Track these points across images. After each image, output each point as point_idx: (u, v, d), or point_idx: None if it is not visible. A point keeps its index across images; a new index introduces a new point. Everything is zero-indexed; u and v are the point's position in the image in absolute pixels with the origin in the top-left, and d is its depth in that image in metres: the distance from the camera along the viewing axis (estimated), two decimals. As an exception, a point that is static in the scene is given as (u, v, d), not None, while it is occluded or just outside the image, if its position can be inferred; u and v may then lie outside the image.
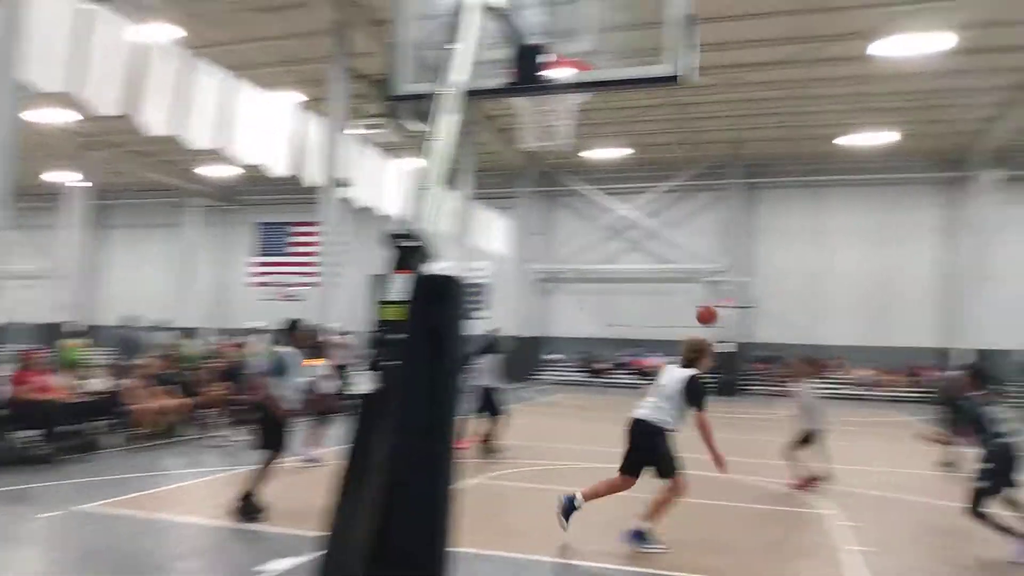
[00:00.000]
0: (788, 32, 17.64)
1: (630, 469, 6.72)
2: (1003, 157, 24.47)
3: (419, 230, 4.12)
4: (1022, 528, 6.50)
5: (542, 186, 30.95)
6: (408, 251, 4.05)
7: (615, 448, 12.30)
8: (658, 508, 6.45)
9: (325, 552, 4.12)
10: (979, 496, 6.58)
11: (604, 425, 13.77)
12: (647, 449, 6.59)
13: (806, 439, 9.47)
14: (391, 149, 18.17)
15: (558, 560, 6.21)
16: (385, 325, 3.94)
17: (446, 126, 4.19)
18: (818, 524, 7.74)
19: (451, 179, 4.68)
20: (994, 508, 6.57)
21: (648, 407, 6.67)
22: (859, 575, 5.98)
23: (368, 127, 16.70)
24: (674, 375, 6.76)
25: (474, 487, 9.02)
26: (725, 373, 27.17)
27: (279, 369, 7.33)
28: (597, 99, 21.84)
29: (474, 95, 4.87)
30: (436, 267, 4.29)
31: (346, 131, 16.98)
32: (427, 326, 4.00)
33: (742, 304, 27.12)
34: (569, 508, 6.67)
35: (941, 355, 26.16)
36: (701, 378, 6.62)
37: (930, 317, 26.70)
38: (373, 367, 3.89)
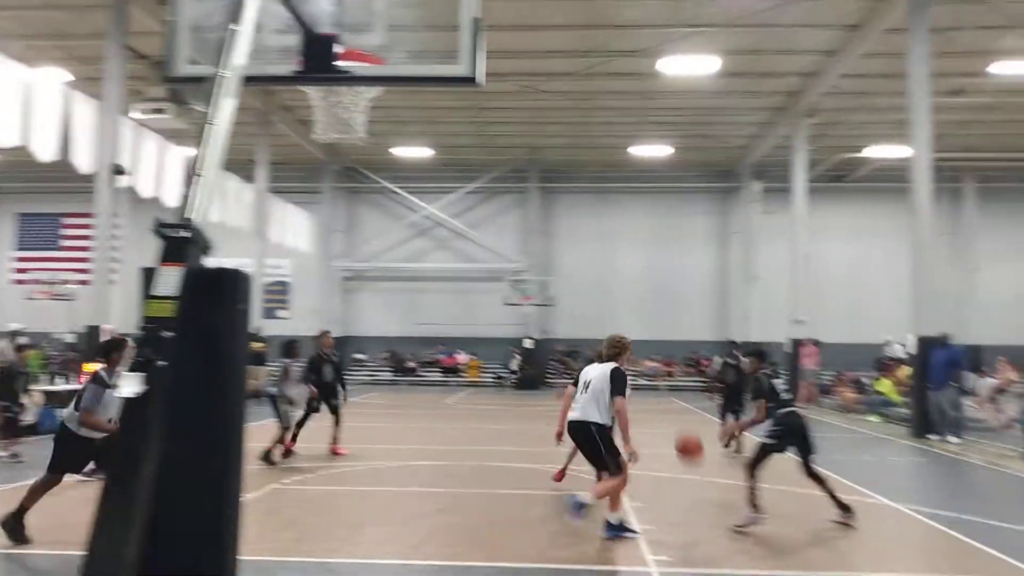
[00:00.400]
0: (579, 45, 18.58)
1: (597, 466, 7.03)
2: (763, 171, 27.44)
3: (191, 220, 3.85)
4: (762, 502, 7.31)
5: (346, 182, 30.34)
6: (178, 242, 3.77)
7: (423, 446, 12.49)
8: (613, 497, 6.77)
9: (86, 569, 3.76)
10: (763, 451, 7.42)
11: (413, 423, 13.85)
12: (589, 449, 6.83)
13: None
14: (175, 136, 16.92)
15: (357, 561, 6.10)
16: (152, 322, 3.65)
17: (223, 111, 3.97)
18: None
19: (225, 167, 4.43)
20: (762, 473, 7.33)
21: (580, 407, 6.83)
22: (637, 552, 6.41)
23: (149, 111, 15.42)
24: (598, 371, 6.93)
25: (272, 492, 8.66)
26: (529, 368, 28.21)
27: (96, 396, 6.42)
28: (399, 98, 21.78)
29: (260, 81, 4.67)
30: (213, 261, 4.05)
31: (124, 115, 15.60)
32: (200, 323, 3.76)
33: (542, 302, 28.24)
34: (578, 507, 6.64)
35: (717, 348, 28.84)
36: (622, 370, 6.88)
37: (706, 313, 29.36)
38: (138, 368, 3.58)
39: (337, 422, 11.27)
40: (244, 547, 6.07)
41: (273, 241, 23.67)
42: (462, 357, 29.38)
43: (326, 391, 11.23)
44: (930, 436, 14.23)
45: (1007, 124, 23.46)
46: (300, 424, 11.03)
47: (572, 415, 6.90)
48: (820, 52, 18.93)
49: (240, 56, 4.13)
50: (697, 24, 17.13)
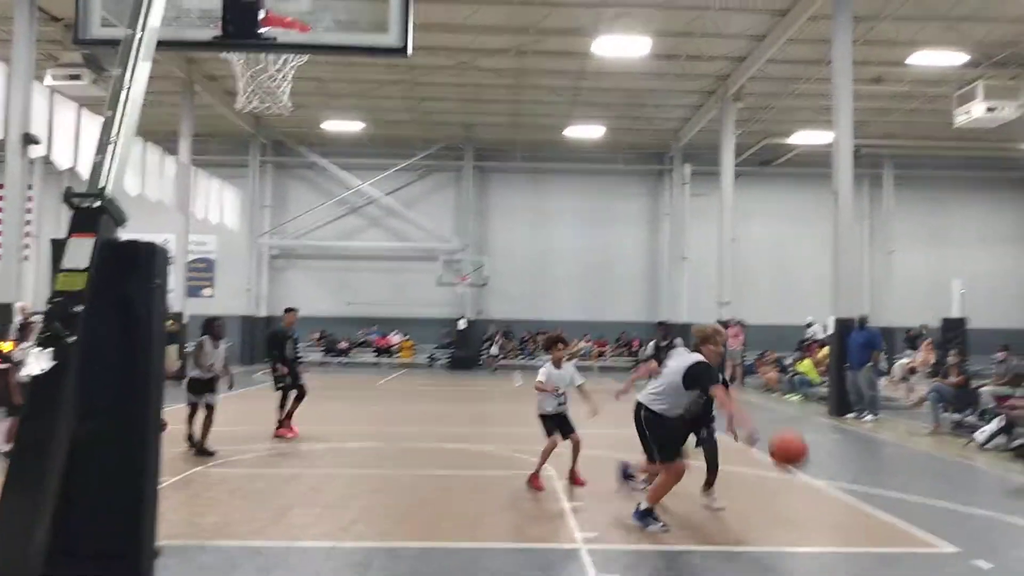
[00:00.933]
0: (513, 22, 18.44)
1: (648, 452, 6.93)
2: (693, 154, 27.94)
3: (104, 189, 3.65)
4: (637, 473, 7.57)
5: (274, 156, 29.55)
6: (89, 212, 3.58)
7: (353, 427, 12.33)
8: (656, 491, 6.49)
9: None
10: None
11: (343, 405, 13.66)
12: (643, 433, 6.79)
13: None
14: (93, 104, 16.13)
15: (283, 544, 5.99)
16: (62, 296, 3.46)
17: (138, 75, 3.77)
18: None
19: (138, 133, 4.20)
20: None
21: (648, 391, 6.68)
22: (566, 530, 6.49)
23: (63, 77, 14.64)
24: (680, 360, 6.61)
25: (196, 475, 8.44)
26: (462, 348, 28.18)
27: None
28: (330, 69, 21.28)
29: (178, 46, 4.46)
30: (132, 235, 3.86)
31: (37, 81, 14.77)
32: (113, 298, 3.59)
33: (476, 282, 28.20)
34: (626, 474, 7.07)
35: (648, 328, 29.38)
36: (703, 365, 6.38)
37: (638, 294, 29.83)
38: (46, 344, 3.39)
39: (300, 397, 11.37)
40: (165, 531, 5.90)
41: (197, 216, 22.89)
42: (395, 338, 29.13)
43: (292, 367, 11.37)
44: (847, 415, 14.82)
45: (923, 113, 24.44)
46: (282, 405, 11.17)
47: (639, 396, 6.85)
48: (749, 37, 19.29)
49: (156, 18, 3.92)
50: (629, 4, 17.23)
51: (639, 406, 6.80)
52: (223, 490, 7.75)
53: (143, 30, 3.88)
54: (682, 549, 6.00)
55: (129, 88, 3.73)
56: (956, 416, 13.04)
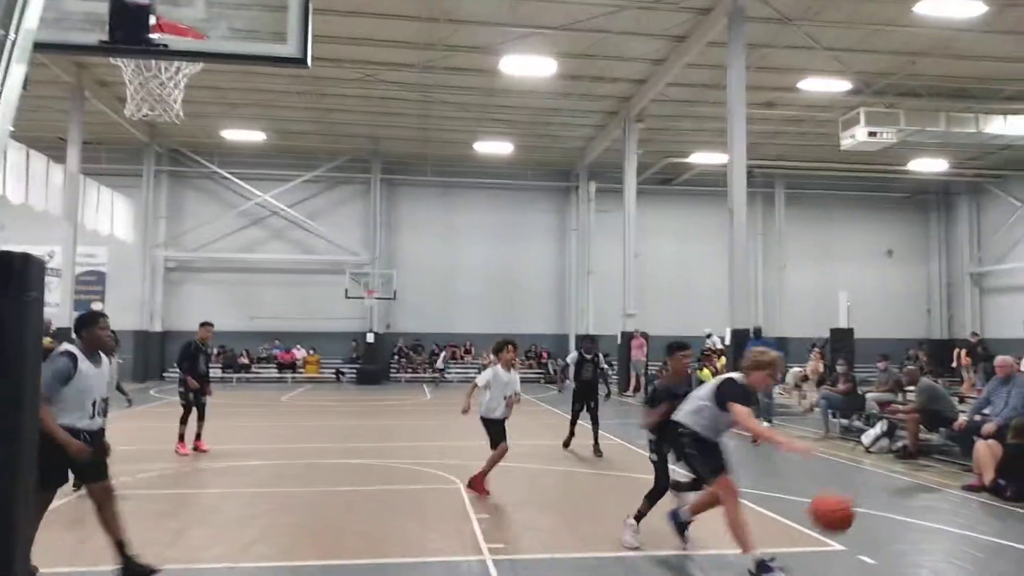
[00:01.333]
0: (421, 37, 18.45)
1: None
2: (598, 172, 28.61)
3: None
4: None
5: (170, 165, 28.44)
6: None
7: (253, 445, 11.92)
8: (734, 526, 5.70)
9: None
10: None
11: (243, 422, 13.20)
12: (678, 451, 6.19)
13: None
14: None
15: (178, 567, 5.71)
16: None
17: (12, 78, 3.55)
18: (444, 498, 8.23)
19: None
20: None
21: (684, 408, 6.14)
22: (472, 542, 6.46)
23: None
24: (718, 379, 6.20)
25: (82, 498, 7.94)
26: (370, 362, 27.75)
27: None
28: (229, 78, 20.71)
29: (60, 49, 4.24)
30: (10, 243, 3.63)
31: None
32: (-18, 311, 3.35)
33: (384, 295, 27.89)
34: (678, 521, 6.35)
35: (556, 340, 29.74)
36: (731, 381, 5.93)
37: (546, 307, 30.18)
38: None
39: (201, 416, 11.19)
40: (50, 558, 5.55)
41: (87, 227, 21.76)
42: (300, 352, 28.42)
43: (200, 382, 11.17)
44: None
45: (812, 136, 25.85)
46: (183, 420, 10.95)
47: (676, 414, 6.16)
48: (649, 60, 19.95)
49: (32, 20, 3.70)
50: (535, 25, 17.53)
51: (676, 426, 6.05)
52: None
53: (16, 32, 3.66)
54: (584, 556, 6.07)
55: (2, 93, 3.51)
56: (844, 421, 13.77)
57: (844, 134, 20.17)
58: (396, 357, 28.89)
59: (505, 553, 6.10)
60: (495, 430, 8.36)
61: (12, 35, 3.48)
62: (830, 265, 30.82)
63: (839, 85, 20.52)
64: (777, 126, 24.83)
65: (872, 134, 19.44)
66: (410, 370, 28.56)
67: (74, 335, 5.47)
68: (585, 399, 12.00)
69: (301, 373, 27.90)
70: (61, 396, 5.10)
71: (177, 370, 11.50)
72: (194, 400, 11.09)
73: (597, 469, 10.13)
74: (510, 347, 8.46)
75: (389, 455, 10.90)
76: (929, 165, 27.34)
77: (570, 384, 12.93)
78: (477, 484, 8.26)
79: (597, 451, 11.42)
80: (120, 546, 5.44)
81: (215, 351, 27.53)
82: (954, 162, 27.98)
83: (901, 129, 19.55)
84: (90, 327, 5.36)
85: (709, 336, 24.13)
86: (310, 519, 7.27)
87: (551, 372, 28.51)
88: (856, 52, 18.84)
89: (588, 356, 12.15)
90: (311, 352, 28.37)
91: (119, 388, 8.55)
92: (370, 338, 27.97)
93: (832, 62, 19.15)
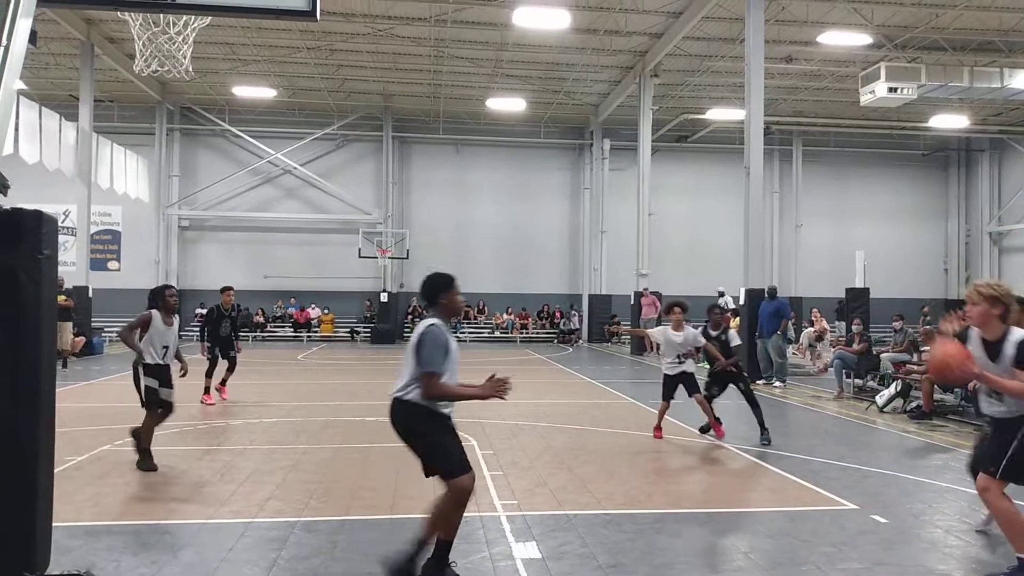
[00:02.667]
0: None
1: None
2: (612, 129, 28.23)
3: (-19, 153, 3.40)
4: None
5: (182, 123, 28.32)
6: (-35, 178, 3.32)
7: (270, 403, 12.04)
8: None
9: None
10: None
11: (260, 380, 13.34)
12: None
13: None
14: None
15: (196, 522, 5.81)
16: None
17: (18, 32, 3.50)
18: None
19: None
20: None
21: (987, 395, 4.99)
22: (486, 498, 6.52)
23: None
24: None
25: (105, 453, 8.09)
26: (384, 322, 27.87)
27: None
28: (239, 34, 20.49)
29: (65, 2, 4.15)
30: (25, 203, 3.61)
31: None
32: (-4, 268, 3.36)
33: (397, 255, 27.88)
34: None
35: (570, 299, 29.74)
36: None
37: (559, 266, 30.10)
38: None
39: (231, 368, 12.15)
40: (67, 512, 5.65)
41: (101, 186, 21.75)
42: (314, 311, 28.58)
43: (224, 343, 12.01)
44: (758, 381, 15.40)
45: (831, 92, 25.34)
46: (208, 374, 11.74)
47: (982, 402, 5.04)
48: (665, 13, 19.52)
49: (38, -30, 3.64)
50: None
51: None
52: (133, 468, 7.45)
53: (23, -17, 3.60)
54: (600, 513, 6.12)
55: (7, 47, 3.46)
56: (858, 381, 13.74)
57: (864, 90, 19.76)
58: (410, 317, 28.99)
59: (518, 509, 6.16)
60: (665, 385, 9.26)
61: (16, -13, 3.42)
62: (847, 224, 30.47)
63: (859, 39, 20.04)
64: (795, 81, 24.35)
65: (893, 89, 19.03)
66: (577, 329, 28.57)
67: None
68: (724, 383, 9.59)
69: (316, 332, 28.08)
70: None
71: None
72: (222, 355, 12.01)
73: (609, 428, 10.17)
74: (676, 309, 9.03)
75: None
76: (950, 121, 26.80)
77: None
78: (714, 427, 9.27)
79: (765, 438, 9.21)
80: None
81: (205, 314, 27.72)
82: (976, 118, 27.40)
83: (923, 84, 19.13)
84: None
85: (721, 295, 24.02)
86: (326, 476, 7.35)
87: (563, 331, 28.60)
88: (877, 4, 18.35)
89: (714, 333, 9.62)
90: (325, 311, 28.52)
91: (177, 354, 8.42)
92: (384, 297, 28.05)
93: (852, 15, 18.67)
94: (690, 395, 9.23)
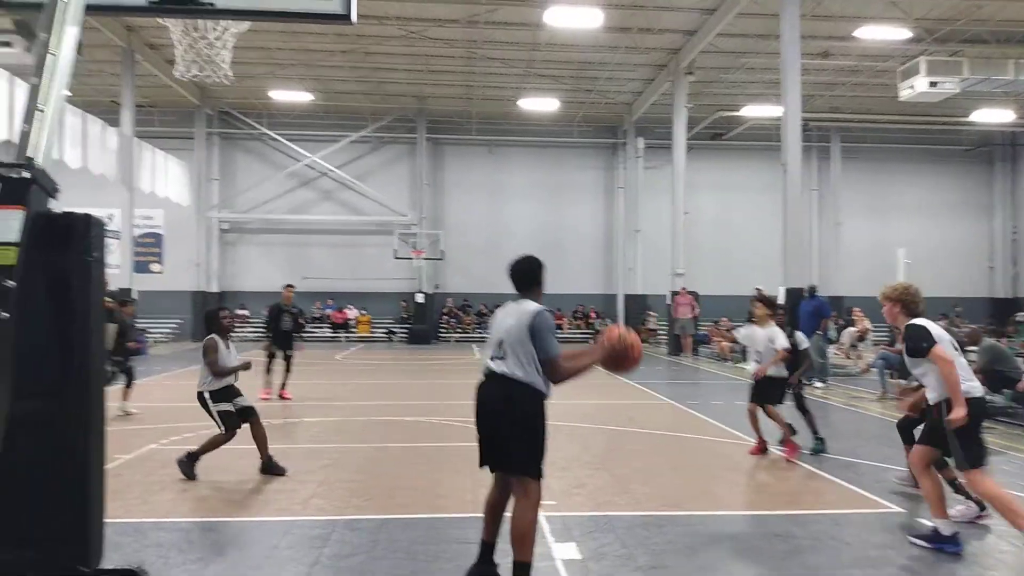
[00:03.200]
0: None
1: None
2: (646, 128, 28.05)
3: (32, 159, 3.48)
4: None
5: (221, 127, 28.79)
6: (18, 183, 3.40)
7: (309, 402, 12.18)
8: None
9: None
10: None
11: (299, 380, 13.47)
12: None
13: None
14: (26, 72, 15.44)
15: (241, 519, 5.91)
16: (-9, 271, 3.29)
17: (66, 40, 3.58)
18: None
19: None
20: None
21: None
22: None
23: (-8, 45, 13.97)
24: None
25: (150, 452, 8.26)
26: (420, 323, 28.02)
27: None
28: (276, 38, 20.77)
29: (109, 10, 4.25)
30: (70, 208, 3.70)
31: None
32: (47, 272, 3.44)
33: (431, 256, 28.02)
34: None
35: (605, 300, 29.62)
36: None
37: (593, 266, 29.99)
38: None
39: (288, 369, 12.58)
40: (118, 510, 5.77)
41: (143, 190, 22.21)
42: (352, 312, 28.85)
43: (283, 339, 12.55)
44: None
45: (869, 87, 24.88)
46: (268, 370, 12.30)
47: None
48: (699, 9, 19.33)
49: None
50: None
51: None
52: (175, 467, 7.59)
53: (71, -8, 3.69)
54: (639, 514, 6.07)
55: (56, 54, 3.54)
56: (902, 382, 13.43)
57: (903, 84, 19.35)
58: (445, 317, 29.12)
59: (556, 510, 6.14)
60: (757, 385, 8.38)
61: (67, -3, 3.50)
62: (887, 221, 29.89)
63: (898, 33, 19.62)
64: (832, 77, 23.95)
65: (933, 84, 18.61)
66: (459, 330, 28.77)
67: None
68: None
69: (353, 332, 28.35)
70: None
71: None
72: (278, 354, 12.49)
73: (647, 429, 10.11)
74: (758, 304, 8.43)
75: (441, 413, 11.04)
76: (995, 115, 26.11)
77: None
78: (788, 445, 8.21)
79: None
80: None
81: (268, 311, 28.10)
82: (1021, 112, 26.69)
83: (965, 78, 18.66)
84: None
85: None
86: (366, 475, 7.41)
87: (598, 332, 28.45)
88: (917, -3, 17.99)
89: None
90: (363, 312, 28.78)
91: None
92: (419, 298, 28.21)
93: (891, 8, 18.31)
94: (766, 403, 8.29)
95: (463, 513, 6.10)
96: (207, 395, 7.34)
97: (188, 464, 7.23)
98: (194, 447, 7.39)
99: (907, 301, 5.62)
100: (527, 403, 4.26)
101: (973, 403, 5.06)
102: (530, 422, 4.28)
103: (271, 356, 12.52)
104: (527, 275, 4.57)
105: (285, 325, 12.67)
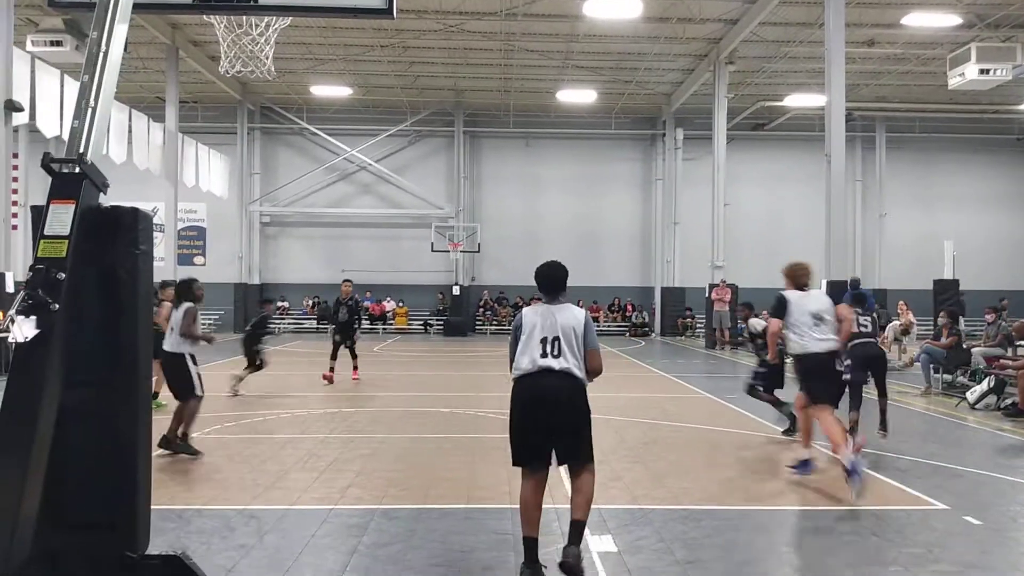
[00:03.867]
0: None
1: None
2: (685, 118, 27.73)
3: (83, 155, 3.57)
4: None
5: (262, 122, 29.21)
6: (69, 178, 3.50)
7: (348, 393, 12.36)
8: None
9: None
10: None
11: (338, 371, 13.67)
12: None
13: None
14: (75, 70, 15.85)
15: (280, 507, 6.02)
16: (44, 263, 3.39)
17: (115, 37, 3.67)
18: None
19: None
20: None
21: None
22: (558, 489, 6.52)
23: (45, 43, 14.36)
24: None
25: (193, 441, 8.43)
26: (456, 315, 28.18)
27: None
28: (316, 34, 20.97)
29: (157, 8, 4.34)
30: (116, 201, 3.80)
31: (17, 47, 14.48)
32: (96, 264, 3.53)
33: (468, 249, 28.13)
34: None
35: (642, 292, 29.44)
36: None
37: (631, 258, 29.80)
38: (29, 311, 3.34)
39: (353, 355, 13.82)
40: (162, 497, 5.92)
41: (187, 184, 22.68)
42: (389, 304, 29.12)
43: (342, 328, 13.70)
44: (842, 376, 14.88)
45: (916, 75, 24.26)
46: (333, 357, 13.48)
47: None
48: (741, -2, 19.04)
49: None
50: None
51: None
52: (220, 455, 7.77)
53: (119, -9, 3.77)
54: (676, 508, 6.04)
55: (106, 51, 3.63)
56: (947, 377, 13.15)
57: (952, 72, 18.83)
58: (481, 309, 29.22)
59: (592, 502, 6.12)
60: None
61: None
62: (934, 213, 29.15)
63: (947, 19, 19.10)
64: (878, 65, 23.39)
65: (984, 71, 18.07)
66: (495, 322, 28.85)
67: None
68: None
69: (391, 324, 28.62)
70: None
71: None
72: (341, 340, 13.65)
73: (686, 423, 10.04)
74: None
75: (478, 404, 11.10)
76: (1049, 103, 25.29)
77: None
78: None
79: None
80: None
81: (311, 303, 28.54)
82: (1078, 99, 25.82)
83: (1018, 64, 18.09)
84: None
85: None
86: (403, 465, 7.49)
87: (635, 324, 28.34)
88: (969, -19, 17.49)
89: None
90: (400, 304, 29.02)
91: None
92: (456, 291, 28.35)
93: (941, -7, 17.83)
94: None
95: (500, 504, 6.13)
96: (188, 357, 7.81)
97: (186, 445, 7.62)
98: (178, 431, 7.68)
99: (793, 276, 7.27)
100: (584, 397, 4.74)
101: (807, 357, 6.68)
102: (588, 414, 4.77)
103: (336, 344, 13.68)
104: (562, 281, 4.94)
105: (342, 316, 13.76)
